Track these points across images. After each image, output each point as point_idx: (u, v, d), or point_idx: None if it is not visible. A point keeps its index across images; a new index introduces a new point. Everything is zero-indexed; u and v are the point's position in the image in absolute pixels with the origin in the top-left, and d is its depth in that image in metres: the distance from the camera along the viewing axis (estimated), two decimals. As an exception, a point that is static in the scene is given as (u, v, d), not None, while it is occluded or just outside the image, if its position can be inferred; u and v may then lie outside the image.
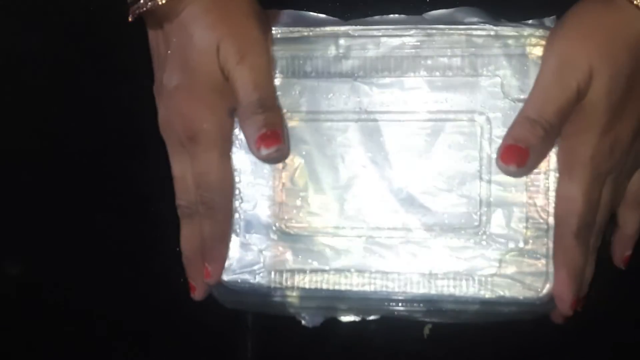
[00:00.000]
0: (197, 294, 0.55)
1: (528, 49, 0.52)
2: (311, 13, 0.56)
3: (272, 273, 0.54)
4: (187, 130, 0.53)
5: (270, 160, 0.53)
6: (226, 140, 0.54)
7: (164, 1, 0.51)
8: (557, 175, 0.52)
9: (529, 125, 0.50)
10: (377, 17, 0.55)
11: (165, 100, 0.54)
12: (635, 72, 0.50)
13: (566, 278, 0.51)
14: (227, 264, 0.55)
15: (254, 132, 0.52)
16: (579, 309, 0.52)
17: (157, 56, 0.55)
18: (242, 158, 0.55)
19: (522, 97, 0.52)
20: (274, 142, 0.51)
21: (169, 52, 0.53)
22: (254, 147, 0.52)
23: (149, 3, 0.51)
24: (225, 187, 0.54)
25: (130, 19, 0.52)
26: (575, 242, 0.50)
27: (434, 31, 0.53)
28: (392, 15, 0.55)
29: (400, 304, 0.54)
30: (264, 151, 0.51)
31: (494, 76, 0.52)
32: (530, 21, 0.54)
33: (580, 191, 0.50)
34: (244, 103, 0.52)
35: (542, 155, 0.51)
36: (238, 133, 0.54)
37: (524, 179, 0.52)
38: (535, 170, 0.52)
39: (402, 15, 0.55)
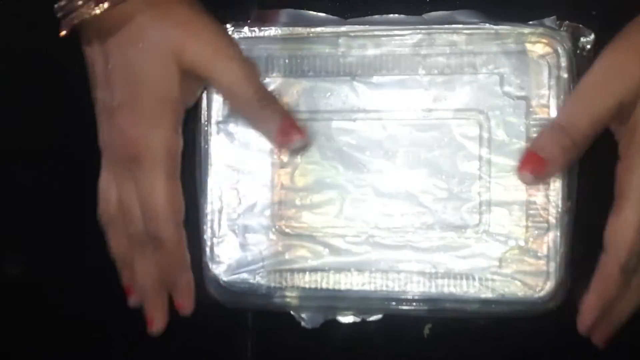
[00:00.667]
0: (157, 327, 0.54)
1: (528, 46, 0.52)
2: (311, 12, 0.56)
3: (272, 273, 0.54)
4: (130, 149, 0.50)
5: (297, 150, 0.53)
6: (173, 159, 0.51)
7: (98, 11, 0.47)
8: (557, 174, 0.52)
9: (555, 133, 0.48)
10: (376, 17, 0.55)
11: (106, 119, 0.51)
12: None
13: (594, 303, 0.49)
14: (227, 264, 0.55)
15: (270, 129, 0.51)
16: (602, 342, 0.51)
17: (94, 72, 0.52)
18: (240, 157, 0.55)
19: (521, 94, 0.52)
20: (296, 133, 0.51)
21: (110, 66, 0.50)
22: (276, 143, 0.52)
23: (84, 14, 0.48)
24: (172, 212, 0.51)
25: (63, 33, 0.48)
26: (617, 273, 0.48)
27: (433, 30, 0.53)
28: (391, 15, 0.55)
29: (400, 303, 0.54)
30: (290, 145, 0.51)
31: (494, 74, 0.52)
32: (530, 22, 0.54)
33: (634, 219, 0.47)
34: (243, 99, 0.50)
35: (566, 164, 0.50)
36: (234, 130, 0.54)
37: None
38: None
39: (402, 16, 0.55)
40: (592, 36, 0.52)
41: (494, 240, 0.52)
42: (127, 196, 0.52)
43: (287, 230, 0.54)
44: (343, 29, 0.54)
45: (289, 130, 0.51)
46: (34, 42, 0.59)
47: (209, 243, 0.55)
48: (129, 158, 0.50)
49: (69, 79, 0.58)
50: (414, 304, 0.54)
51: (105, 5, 0.48)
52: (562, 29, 0.53)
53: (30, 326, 0.60)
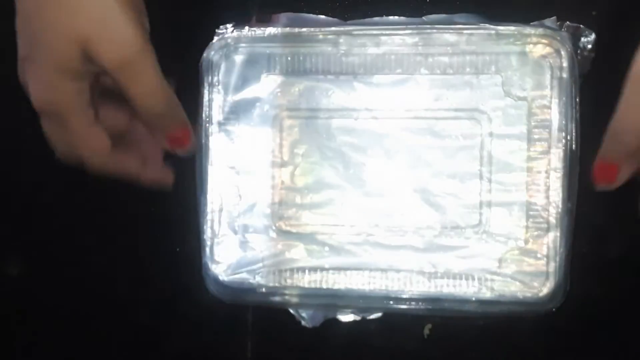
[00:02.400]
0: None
1: (528, 47, 0.52)
2: (311, 15, 0.56)
3: (272, 272, 0.54)
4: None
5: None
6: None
7: None
8: (557, 175, 0.52)
9: (612, 141, 0.47)
10: (376, 19, 0.55)
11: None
12: None
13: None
14: (226, 263, 0.55)
15: (162, 139, 0.51)
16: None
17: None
18: (240, 157, 0.55)
19: (523, 95, 0.52)
20: (185, 142, 0.51)
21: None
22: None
23: None
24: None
25: None
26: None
27: (434, 30, 0.53)
28: (391, 17, 0.55)
29: (399, 303, 0.54)
30: (181, 152, 0.52)
31: (495, 74, 0.52)
32: (531, 23, 0.54)
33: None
34: (143, 115, 0.49)
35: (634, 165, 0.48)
36: (234, 130, 0.54)
37: (524, 178, 0.52)
38: (536, 170, 0.52)
39: (402, 17, 0.55)
40: (593, 36, 0.52)
41: (494, 241, 0.52)
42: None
43: (287, 229, 0.54)
44: (345, 28, 0.54)
45: (177, 140, 0.51)
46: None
47: (208, 243, 0.55)
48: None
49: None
50: (414, 303, 0.54)
51: None
52: (562, 29, 0.53)
53: (31, 326, 0.60)
